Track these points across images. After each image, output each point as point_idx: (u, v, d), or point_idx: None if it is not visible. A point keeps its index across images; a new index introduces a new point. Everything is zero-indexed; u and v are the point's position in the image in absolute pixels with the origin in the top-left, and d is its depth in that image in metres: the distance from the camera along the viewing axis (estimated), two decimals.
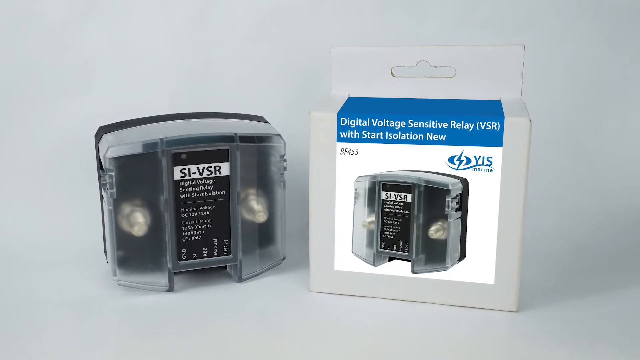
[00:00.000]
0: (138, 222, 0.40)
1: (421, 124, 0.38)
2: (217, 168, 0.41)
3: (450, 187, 0.38)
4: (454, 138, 0.38)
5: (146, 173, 0.40)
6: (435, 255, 0.40)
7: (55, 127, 0.58)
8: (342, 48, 0.43)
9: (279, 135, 0.43)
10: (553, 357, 0.34)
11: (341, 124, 0.39)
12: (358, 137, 0.39)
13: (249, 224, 0.43)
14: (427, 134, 0.38)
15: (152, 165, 0.40)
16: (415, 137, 0.38)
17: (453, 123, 0.38)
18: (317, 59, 0.59)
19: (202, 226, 0.42)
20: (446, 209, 0.39)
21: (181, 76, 0.60)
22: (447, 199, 0.38)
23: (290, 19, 0.60)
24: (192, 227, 0.42)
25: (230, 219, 0.42)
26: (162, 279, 0.42)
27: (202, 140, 0.41)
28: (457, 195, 0.38)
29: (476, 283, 0.39)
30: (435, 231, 0.39)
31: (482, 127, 0.37)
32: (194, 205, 0.41)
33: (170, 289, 0.42)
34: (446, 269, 0.39)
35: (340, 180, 0.40)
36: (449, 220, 0.39)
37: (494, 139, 0.37)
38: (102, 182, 0.40)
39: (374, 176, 0.40)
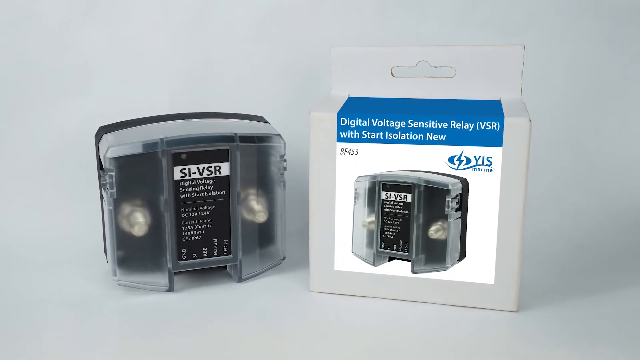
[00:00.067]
0: (138, 222, 0.40)
1: (421, 124, 0.38)
2: (217, 168, 0.41)
3: (450, 187, 0.38)
4: (454, 138, 0.38)
5: (146, 173, 0.40)
6: (435, 255, 0.40)
7: (55, 127, 0.58)
8: (342, 48, 0.43)
9: (279, 135, 0.43)
10: (553, 357, 0.34)
11: (341, 124, 0.39)
12: (358, 137, 0.39)
13: (249, 224, 0.43)
14: (427, 134, 0.38)
15: (152, 165, 0.40)
16: (415, 137, 0.38)
17: (453, 123, 0.38)
18: (317, 59, 0.59)
19: (202, 226, 0.42)
20: (446, 209, 0.39)
21: (181, 76, 0.60)
22: (447, 199, 0.38)
23: (290, 19, 0.60)
24: (192, 227, 0.42)
25: (230, 219, 0.42)
26: (162, 279, 0.42)
27: (202, 140, 0.41)
28: (457, 195, 0.38)
29: (476, 283, 0.39)
30: (435, 231, 0.39)
31: (482, 127, 0.37)
32: (194, 205, 0.41)
33: (170, 289, 0.42)
34: (446, 269, 0.39)
35: (340, 180, 0.40)
36: (449, 220, 0.39)
37: (494, 139, 0.37)
38: (102, 182, 0.40)
39: (374, 176, 0.40)
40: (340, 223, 0.41)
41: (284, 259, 0.46)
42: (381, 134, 0.39)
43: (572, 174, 0.59)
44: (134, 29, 0.59)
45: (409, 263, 0.40)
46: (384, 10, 0.60)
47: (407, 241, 0.40)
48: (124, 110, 0.55)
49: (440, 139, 0.38)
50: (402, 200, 0.40)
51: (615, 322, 0.38)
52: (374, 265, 0.41)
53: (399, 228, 0.40)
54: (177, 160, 0.40)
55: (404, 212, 0.40)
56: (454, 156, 0.38)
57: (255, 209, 0.43)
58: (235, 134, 0.41)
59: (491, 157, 0.37)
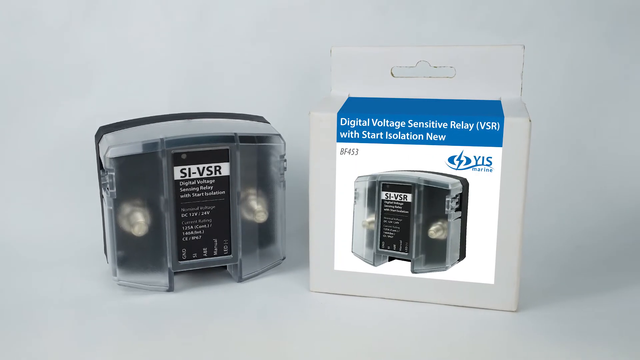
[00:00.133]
0: (138, 222, 0.40)
1: (421, 124, 0.38)
2: (217, 168, 0.41)
3: (450, 187, 0.38)
4: (454, 138, 0.38)
5: (146, 173, 0.40)
6: (435, 255, 0.40)
7: (55, 127, 0.58)
8: (342, 48, 0.43)
9: (279, 135, 0.43)
10: (553, 357, 0.34)
11: (341, 124, 0.39)
12: (358, 137, 0.39)
13: (249, 224, 0.43)
14: (427, 134, 0.38)
15: (152, 165, 0.40)
16: (415, 137, 0.38)
17: (453, 123, 0.38)
18: (317, 59, 0.59)
19: (202, 226, 0.42)
20: (446, 209, 0.39)
21: (181, 76, 0.60)
22: (447, 199, 0.38)
23: (290, 19, 0.60)
24: (192, 227, 0.42)
25: (230, 219, 0.42)
26: (162, 279, 0.42)
27: (202, 140, 0.41)
28: (457, 195, 0.38)
29: (476, 283, 0.39)
30: (435, 231, 0.39)
31: (482, 127, 0.37)
32: (194, 205, 0.41)
33: (170, 289, 0.42)
34: (446, 268, 0.39)
35: (340, 180, 0.40)
36: (448, 220, 0.39)
37: (494, 139, 0.37)
38: (102, 182, 0.40)
39: (373, 176, 0.40)
40: (340, 223, 0.41)
41: (284, 259, 0.46)
42: (381, 134, 0.39)
43: (572, 174, 0.59)
44: (134, 29, 0.59)
45: (409, 263, 0.40)
46: (384, 10, 0.60)
47: (407, 241, 0.40)
48: (124, 110, 0.55)
49: (440, 139, 0.38)
50: (402, 200, 0.40)
51: (615, 321, 0.38)
52: (374, 265, 0.41)
53: (398, 228, 0.40)
54: (177, 160, 0.40)
55: (404, 212, 0.40)
56: (454, 156, 0.38)
57: (255, 209, 0.43)
58: (235, 134, 0.41)
59: (491, 157, 0.37)
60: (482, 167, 0.38)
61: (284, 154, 0.44)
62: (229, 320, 0.38)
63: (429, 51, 0.42)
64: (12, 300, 0.41)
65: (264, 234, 0.44)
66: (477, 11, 0.60)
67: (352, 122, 0.39)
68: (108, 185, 0.39)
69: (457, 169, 0.38)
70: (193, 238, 0.42)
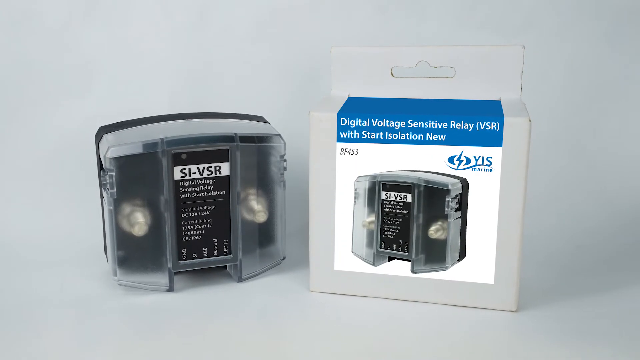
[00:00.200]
0: (138, 222, 0.40)
1: (421, 124, 0.38)
2: (217, 168, 0.41)
3: (450, 187, 0.38)
4: (454, 138, 0.38)
5: (146, 173, 0.40)
6: (435, 255, 0.40)
7: (55, 127, 0.58)
8: (342, 48, 0.43)
9: (279, 135, 0.43)
10: (553, 357, 0.34)
11: (341, 124, 0.39)
12: (358, 137, 0.39)
13: (249, 224, 0.43)
14: (427, 134, 0.38)
15: (152, 165, 0.40)
16: (415, 137, 0.38)
17: (453, 123, 0.38)
18: (317, 59, 0.59)
19: (202, 226, 0.42)
20: (446, 209, 0.39)
21: (181, 76, 0.60)
22: (446, 199, 0.38)
23: (290, 19, 0.60)
24: (192, 227, 0.42)
25: (231, 219, 0.42)
26: (163, 279, 0.42)
27: (202, 140, 0.41)
28: (456, 195, 0.38)
29: (476, 283, 0.39)
30: (435, 231, 0.39)
31: (482, 127, 0.37)
32: (194, 205, 0.41)
33: (171, 289, 0.42)
34: (446, 268, 0.39)
35: (340, 180, 0.40)
36: (448, 220, 0.39)
37: (494, 139, 0.37)
38: (102, 182, 0.40)
39: (373, 176, 0.40)
40: (340, 223, 0.41)
41: (284, 259, 0.46)
42: (381, 134, 0.39)
43: (572, 174, 0.59)
44: (134, 29, 0.59)
45: (409, 263, 0.40)
46: (384, 10, 0.60)
47: (407, 241, 0.40)
48: (124, 110, 0.55)
49: (440, 139, 0.38)
50: (402, 200, 0.40)
51: (615, 321, 0.38)
52: (373, 265, 0.41)
53: (398, 228, 0.40)
54: (177, 160, 0.40)
55: (404, 212, 0.40)
56: (454, 156, 0.38)
57: (255, 209, 0.43)
58: (235, 134, 0.41)
59: (491, 157, 0.37)
60: (482, 167, 0.38)
61: (284, 154, 0.44)
62: (229, 320, 0.38)
63: (429, 51, 0.42)
64: (12, 300, 0.41)
65: (264, 234, 0.44)
66: (477, 11, 0.60)
67: (352, 122, 0.39)
68: (108, 185, 0.39)
69: (457, 169, 0.38)
70: (193, 238, 0.42)
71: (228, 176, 0.42)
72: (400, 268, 0.40)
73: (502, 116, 0.37)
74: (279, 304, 0.40)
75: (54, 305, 0.40)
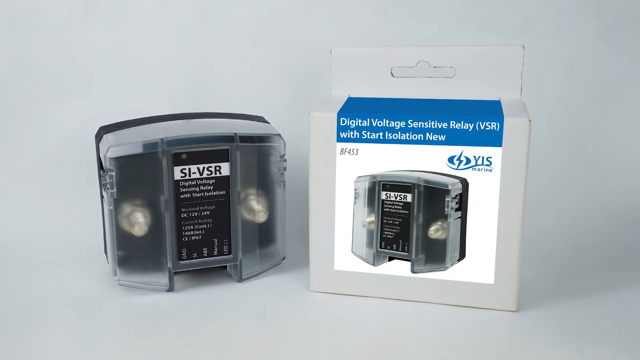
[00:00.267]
0: (138, 222, 0.40)
1: (421, 124, 0.38)
2: (217, 168, 0.41)
3: (450, 187, 0.38)
4: (454, 138, 0.38)
5: (146, 173, 0.40)
6: (434, 255, 0.40)
7: (55, 127, 0.58)
8: (342, 48, 0.43)
9: (279, 135, 0.43)
10: (552, 357, 0.34)
11: (341, 124, 0.39)
12: (358, 137, 0.39)
13: (249, 224, 0.43)
14: (427, 134, 0.38)
15: (152, 165, 0.40)
16: (415, 137, 0.38)
17: (453, 123, 0.38)
18: (317, 59, 0.59)
19: (202, 226, 0.42)
20: (446, 209, 0.39)
21: (181, 76, 0.60)
22: (446, 199, 0.38)
23: (290, 19, 0.60)
24: (192, 227, 0.42)
25: (231, 218, 0.42)
26: (163, 279, 0.42)
27: (202, 140, 0.41)
28: (456, 195, 0.38)
29: (476, 283, 0.39)
30: (435, 231, 0.39)
31: (482, 127, 0.37)
32: (194, 205, 0.41)
33: (171, 289, 0.42)
34: (446, 268, 0.40)
35: (340, 180, 0.40)
36: (448, 220, 0.39)
37: (494, 139, 0.37)
38: (102, 182, 0.40)
39: (373, 176, 0.40)
40: (340, 223, 0.41)
41: (284, 259, 0.46)
42: (381, 134, 0.39)
43: (572, 174, 0.59)
44: (134, 29, 0.59)
45: (409, 263, 0.40)
46: (384, 10, 0.60)
47: (407, 241, 0.40)
48: (124, 110, 0.55)
49: (440, 139, 0.38)
50: (402, 200, 0.40)
51: (615, 321, 0.38)
52: (373, 265, 0.41)
53: (398, 228, 0.40)
54: (177, 160, 0.40)
55: (404, 212, 0.40)
56: (454, 156, 0.38)
57: (255, 209, 0.43)
58: (235, 134, 0.41)
59: (491, 157, 0.37)
60: (482, 167, 0.38)
61: (284, 154, 0.44)
62: (229, 320, 0.38)
63: (429, 51, 0.42)
64: (12, 300, 0.41)
65: (264, 234, 0.44)
66: (477, 11, 0.60)
67: (352, 122, 0.39)
68: (108, 185, 0.39)
69: (457, 169, 0.38)
70: (193, 238, 0.42)
71: (228, 176, 0.42)
72: (400, 268, 0.40)
73: (502, 116, 0.37)
74: (279, 304, 0.40)
75: (54, 305, 0.40)
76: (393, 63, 0.42)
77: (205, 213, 0.42)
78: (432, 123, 0.38)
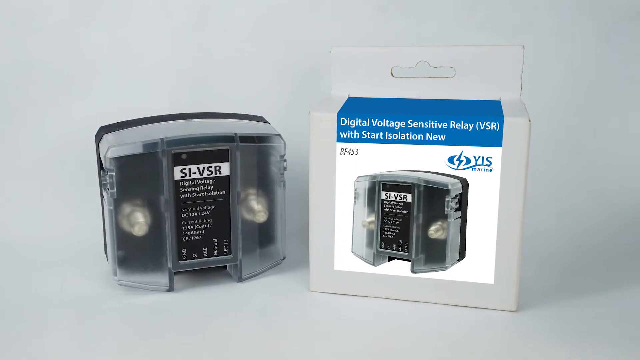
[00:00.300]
0: (138, 222, 0.40)
1: (421, 124, 0.38)
2: (217, 168, 0.41)
3: (449, 187, 0.38)
4: (454, 138, 0.38)
5: (146, 173, 0.40)
6: (434, 255, 0.40)
7: (55, 127, 0.58)
8: (342, 48, 0.43)
9: (279, 135, 0.43)
10: (552, 357, 0.34)
11: (341, 124, 0.39)
12: (358, 137, 0.39)
13: (249, 224, 0.43)
14: (427, 134, 0.38)
15: (152, 165, 0.40)
16: (415, 137, 0.38)
17: (453, 123, 0.38)
18: (317, 59, 0.59)
19: (202, 226, 0.42)
20: (446, 209, 0.39)
21: (181, 76, 0.60)
22: (446, 199, 0.38)
23: (290, 19, 0.60)
24: (192, 227, 0.42)
25: (231, 218, 0.42)
26: (163, 279, 0.42)
27: (202, 140, 0.41)
28: (456, 195, 0.38)
29: (476, 283, 0.39)
30: (435, 231, 0.39)
31: (482, 127, 0.37)
32: (194, 205, 0.41)
33: (171, 289, 0.42)
34: (446, 268, 0.40)
35: (340, 180, 0.40)
36: (448, 220, 0.39)
37: (494, 139, 0.37)
38: (102, 182, 0.40)
39: (373, 176, 0.40)
40: (340, 223, 0.41)
41: (284, 258, 0.46)
42: (381, 134, 0.39)
43: (572, 174, 0.59)
44: (135, 30, 0.59)
45: (409, 263, 0.40)
46: (384, 10, 0.60)
47: (407, 241, 0.40)
48: (124, 110, 0.55)
49: (439, 139, 0.38)
50: (402, 200, 0.40)
51: (615, 321, 0.38)
52: (373, 265, 0.41)
53: (398, 228, 0.40)
54: (178, 160, 0.40)
55: (404, 212, 0.40)
56: (454, 156, 0.38)
57: (255, 209, 0.43)
58: (235, 134, 0.41)
59: (491, 157, 0.37)
60: (482, 167, 0.38)
61: (284, 154, 0.44)
62: (229, 320, 0.38)
63: (429, 51, 0.42)
64: (12, 300, 0.41)
65: (264, 234, 0.44)
66: (477, 11, 0.60)
67: (352, 122, 0.39)
68: (108, 185, 0.39)
69: (457, 169, 0.38)
70: (193, 238, 0.42)
71: (228, 176, 0.42)
72: (400, 268, 0.40)
73: (502, 116, 0.37)
74: (279, 304, 0.40)
75: (54, 305, 0.40)
76: (393, 63, 0.42)
77: (205, 213, 0.42)
78: (432, 123, 0.38)
